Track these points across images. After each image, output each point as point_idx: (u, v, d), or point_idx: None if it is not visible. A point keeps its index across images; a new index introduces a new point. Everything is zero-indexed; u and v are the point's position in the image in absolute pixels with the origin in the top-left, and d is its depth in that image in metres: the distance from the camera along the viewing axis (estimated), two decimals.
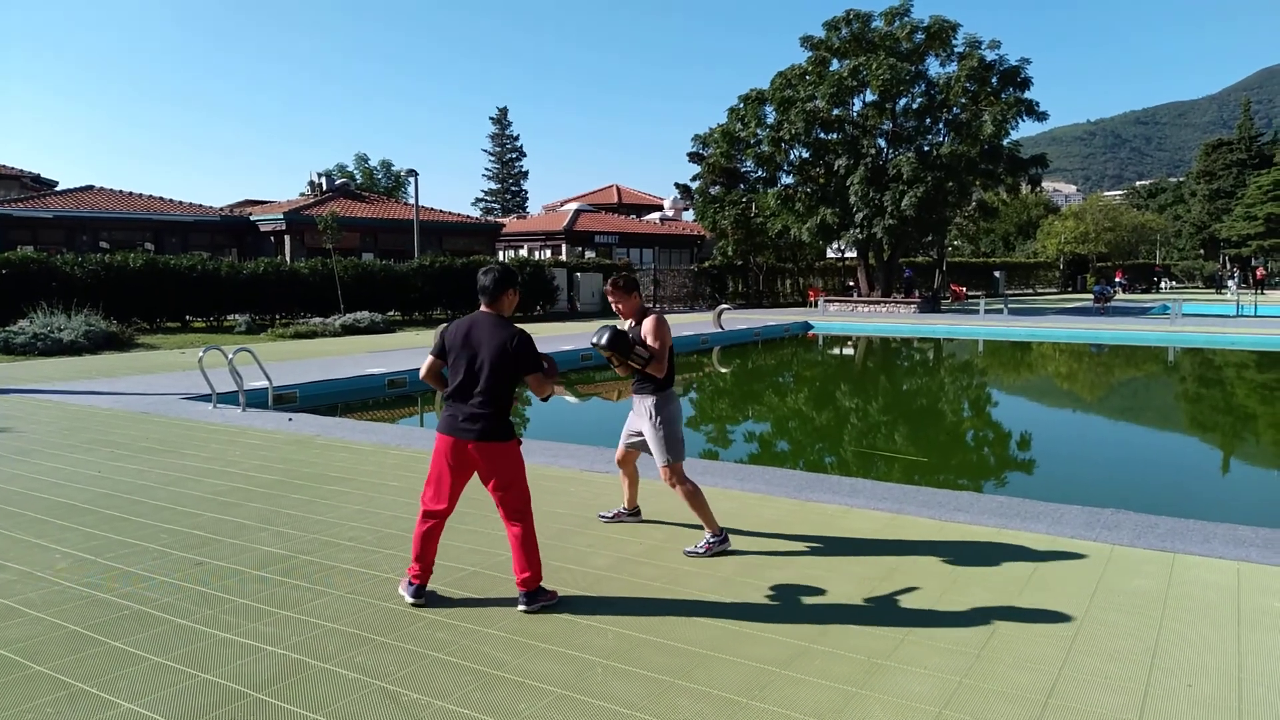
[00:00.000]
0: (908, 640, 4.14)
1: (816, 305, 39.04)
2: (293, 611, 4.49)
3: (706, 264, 43.37)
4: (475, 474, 4.62)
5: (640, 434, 5.64)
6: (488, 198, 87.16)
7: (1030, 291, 61.63)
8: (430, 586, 4.77)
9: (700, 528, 5.59)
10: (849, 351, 26.16)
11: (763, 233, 40.44)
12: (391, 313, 28.17)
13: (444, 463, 4.56)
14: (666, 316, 5.78)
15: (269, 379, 11.82)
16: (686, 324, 28.17)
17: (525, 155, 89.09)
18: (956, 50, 34.94)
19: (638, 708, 3.50)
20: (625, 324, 5.58)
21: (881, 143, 35.98)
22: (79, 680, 3.72)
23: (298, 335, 23.12)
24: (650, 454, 5.57)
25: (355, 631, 4.24)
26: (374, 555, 5.38)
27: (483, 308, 4.64)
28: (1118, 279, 58.28)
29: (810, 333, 30.20)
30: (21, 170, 43.64)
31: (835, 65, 36.13)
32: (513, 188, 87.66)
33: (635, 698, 3.58)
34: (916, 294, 39.24)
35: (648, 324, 5.42)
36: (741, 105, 38.02)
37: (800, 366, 22.82)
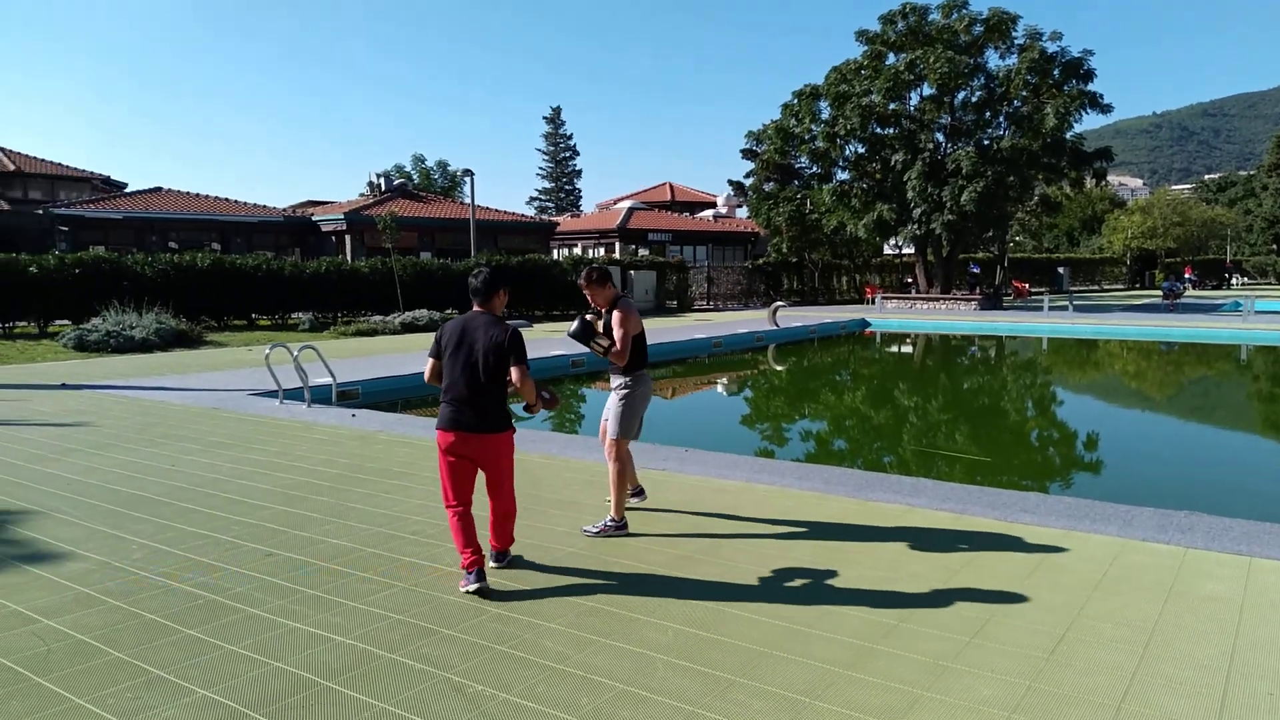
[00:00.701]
0: (974, 643, 4.07)
1: (873, 302, 38.55)
2: (359, 603, 4.58)
3: (761, 261, 43.13)
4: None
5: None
6: (542, 196, 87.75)
7: (1096, 288, 60.09)
8: (492, 580, 4.84)
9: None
10: (908, 349, 25.80)
11: (818, 229, 40.08)
12: (449, 310, 28.50)
13: (449, 457, 4.79)
14: (634, 310, 5.93)
15: (333, 376, 12.06)
16: (740, 321, 28.05)
17: (579, 154, 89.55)
18: (1017, 42, 34.22)
19: (699, 704, 3.50)
20: (598, 313, 5.88)
21: (940, 137, 35.38)
22: (156, 667, 3.84)
23: (359, 333, 23.55)
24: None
25: (420, 623, 4.31)
26: (437, 549, 5.46)
27: (475, 308, 4.94)
28: (1187, 275, 56.46)
29: (868, 330, 29.84)
30: (92, 173, 45.13)
31: (891, 59, 35.63)
32: (566, 186, 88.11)
33: (696, 694, 3.58)
34: (978, 290, 38.53)
35: (614, 315, 5.72)
36: (796, 101, 37.70)
37: (858, 364, 22.57)
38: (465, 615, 4.41)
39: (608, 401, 5.97)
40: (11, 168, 41.88)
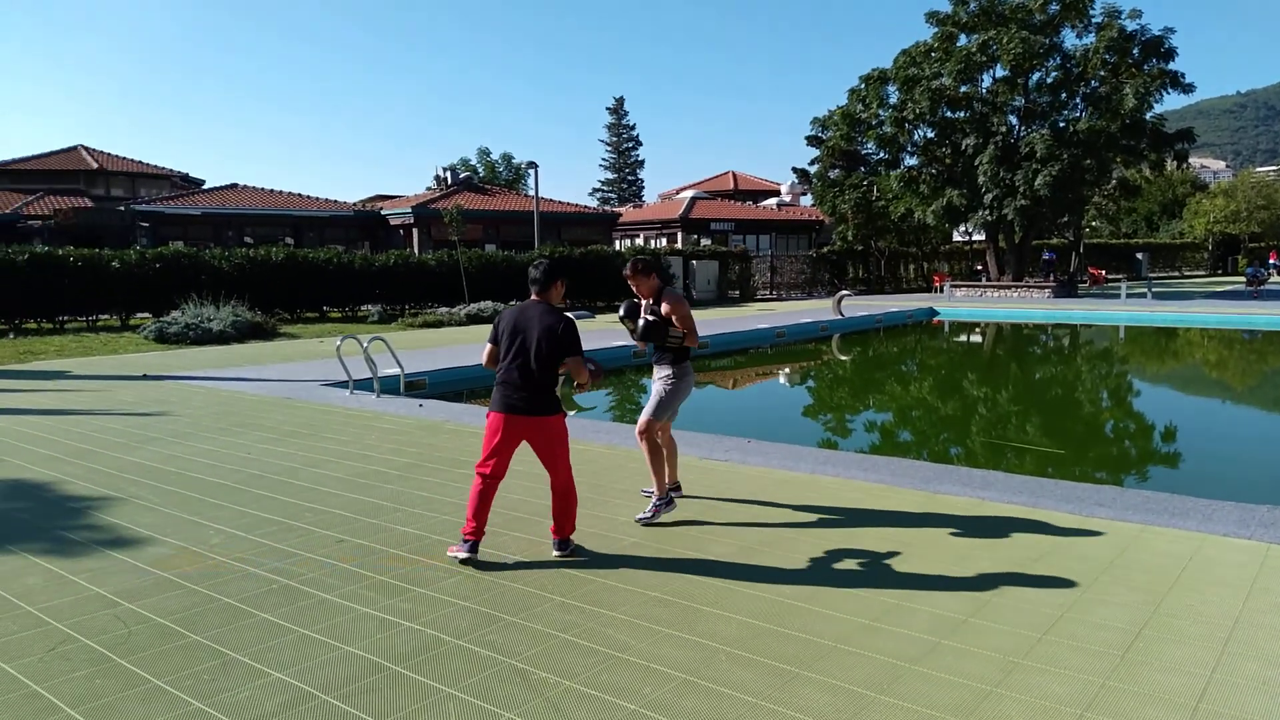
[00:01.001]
0: (1046, 639, 3.97)
1: (942, 290, 37.81)
2: (427, 589, 4.66)
3: (825, 249, 42.60)
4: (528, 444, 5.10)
5: None
6: (604, 187, 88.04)
7: (1176, 274, 58.02)
8: (554, 568, 4.89)
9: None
10: (977, 338, 25.26)
11: (884, 216, 39.43)
12: (513, 302, 28.79)
13: (497, 436, 5.00)
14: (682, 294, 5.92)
15: (400, 366, 12.29)
16: (804, 311, 27.77)
17: (641, 144, 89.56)
18: (1094, 21, 33.12)
19: (763, 696, 3.49)
20: (646, 303, 5.91)
21: (1013, 120, 34.49)
22: (233, 650, 3.97)
23: (426, 324, 23.95)
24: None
25: (486, 610, 4.37)
26: (501, 538, 5.52)
27: (533, 297, 5.15)
28: (1272, 260, 54.10)
29: (936, 319, 29.29)
30: (171, 170, 46.69)
31: (963, 40, 34.80)
32: (629, 177, 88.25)
33: (760, 686, 3.57)
34: (1051, 278, 37.50)
35: (668, 304, 5.77)
36: (863, 86, 37.11)
37: (925, 354, 22.17)
38: (530, 603, 4.46)
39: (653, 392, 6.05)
40: (95, 166, 43.55)
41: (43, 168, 43.04)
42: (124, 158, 46.25)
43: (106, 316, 23.31)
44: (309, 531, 5.70)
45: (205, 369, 14.58)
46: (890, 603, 4.41)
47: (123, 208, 37.70)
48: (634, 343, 6.10)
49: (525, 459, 7.46)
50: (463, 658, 3.86)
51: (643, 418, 5.87)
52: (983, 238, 39.04)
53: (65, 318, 22.44)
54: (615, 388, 15.79)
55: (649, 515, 5.75)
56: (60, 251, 22.08)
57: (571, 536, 5.23)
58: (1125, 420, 13.01)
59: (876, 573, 4.84)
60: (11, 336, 19.88)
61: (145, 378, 13.62)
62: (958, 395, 15.18)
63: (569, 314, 5.20)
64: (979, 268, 42.82)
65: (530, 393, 4.96)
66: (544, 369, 4.96)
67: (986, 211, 33.39)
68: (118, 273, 22.19)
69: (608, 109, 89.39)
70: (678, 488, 6.34)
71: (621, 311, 5.74)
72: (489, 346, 5.17)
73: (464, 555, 4.97)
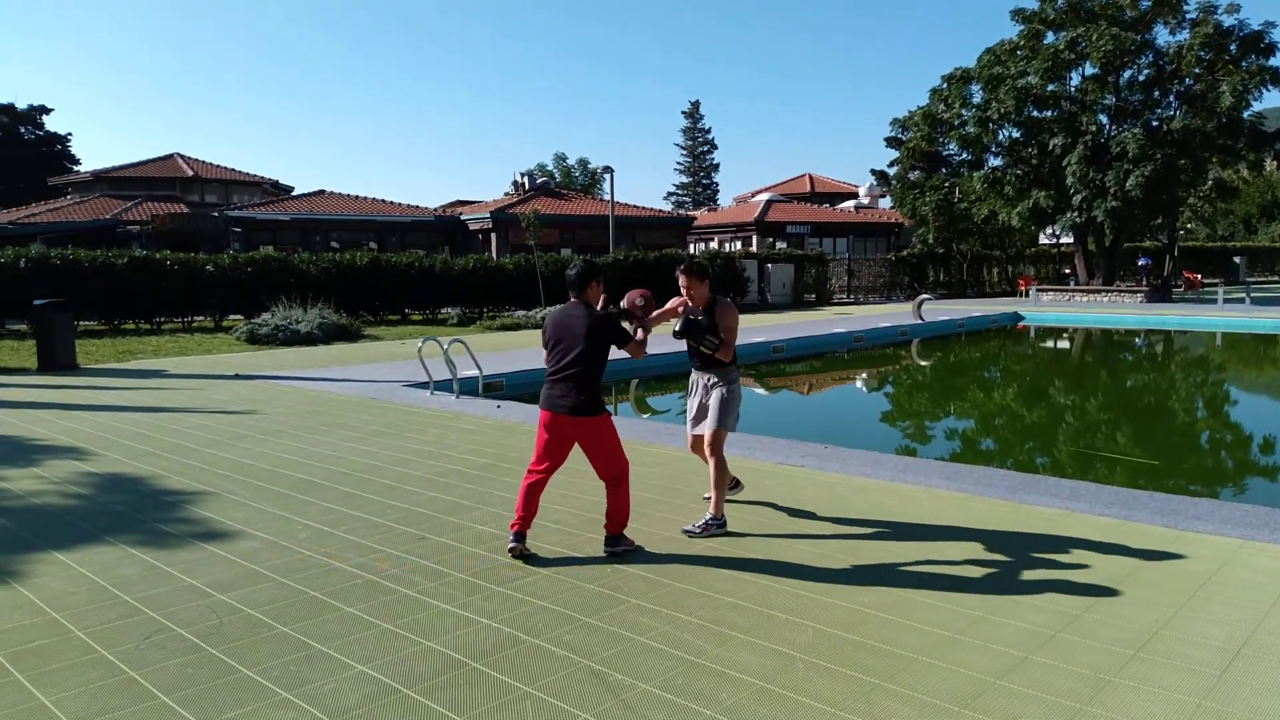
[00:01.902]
0: (1139, 657, 3.82)
1: (1027, 295, 36.77)
2: (505, 588, 4.72)
3: (904, 252, 41.81)
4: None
5: (703, 409, 5.95)
6: (679, 191, 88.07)
7: (1276, 279, 55.29)
8: (630, 570, 4.90)
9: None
10: (1065, 344, 24.48)
11: (967, 218, 38.49)
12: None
13: (546, 434, 5.21)
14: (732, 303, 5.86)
15: (479, 368, 12.49)
16: (882, 315, 27.31)
17: (716, 148, 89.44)
18: (1189, 16, 31.86)
19: (841, 707, 3.43)
20: (697, 310, 5.82)
21: (1103, 119, 33.35)
22: (317, 642, 4.07)
23: (503, 327, 24.29)
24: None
25: (562, 610, 4.40)
26: (577, 538, 5.56)
27: (572, 299, 5.30)
28: None
29: (1021, 324, 28.49)
30: (262, 177, 48.33)
31: (1050, 38, 33.84)
32: (704, 180, 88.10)
33: (839, 696, 3.51)
34: (1144, 282, 36.13)
35: (720, 313, 5.74)
36: (945, 85, 36.36)
37: (1009, 360, 21.58)
38: (605, 604, 4.48)
39: (695, 400, 6.00)
40: (190, 174, 45.36)
41: (141, 175, 45.00)
42: (218, 165, 48.08)
43: (201, 318, 24.24)
44: (391, 528, 5.82)
45: (293, 369, 15.04)
46: (974, 615, 4.30)
47: (216, 213, 39.21)
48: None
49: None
50: (540, 657, 3.89)
51: (711, 430, 5.76)
52: (1071, 240, 37.86)
53: (162, 319, 23.40)
54: (684, 392, 15.75)
55: (697, 531, 5.59)
56: (158, 255, 23.05)
57: (625, 532, 5.31)
58: (1222, 430, 12.44)
59: (960, 584, 4.72)
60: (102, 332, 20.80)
61: (237, 377, 14.11)
62: (1044, 403, 14.73)
63: (609, 310, 5.37)
64: (1067, 271, 41.52)
65: (573, 393, 5.12)
66: (587, 368, 5.14)
67: (1075, 213, 32.36)
68: (211, 276, 23.05)
69: (683, 113, 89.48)
70: (737, 483, 6.44)
71: (677, 328, 5.74)
72: (545, 352, 5.35)
73: (513, 544, 5.17)
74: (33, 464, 7.86)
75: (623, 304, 5.71)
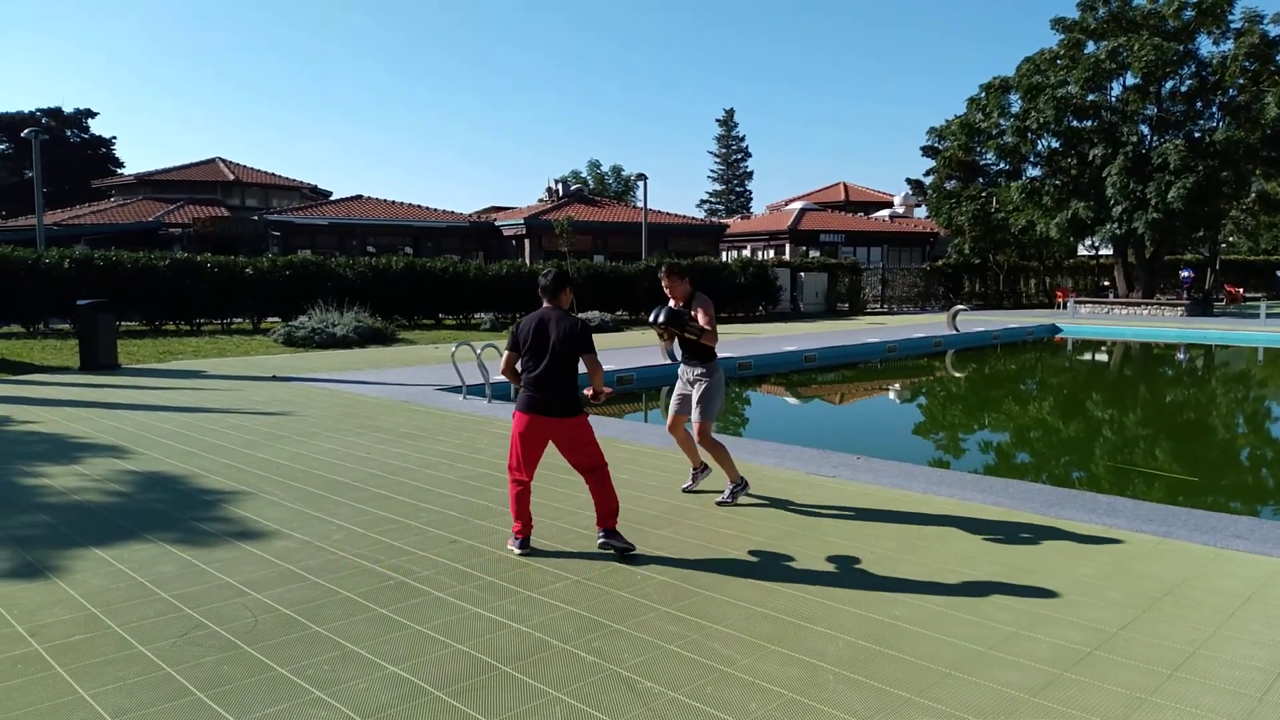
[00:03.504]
0: (1176, 676, 3.75)
1: (1065, 307, 36.30)
2: (534, 592, 4.74)
3: (940, 262, 41.45)
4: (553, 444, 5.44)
5: (685, 399, 6.51)
6: (712, 199, 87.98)
7: None
8: (660, 578, 4.90)
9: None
10: (1103, 357, 24.12)
11: (1004, 229, 38.09)
12: (620, 312, 29.07)
13: (524, 436, 5.35)
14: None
15: None
16: (917, 325, 27.08)
17: (750, 156, 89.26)
18: (1233, 26, 31.38)
19: None
20: (676, 305, 6.39)
21: (1144, 129, 32.91)
22: (350, 642, 4.12)
23: None
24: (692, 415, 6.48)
25: (592, 616, 4.41)
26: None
27: (545, 304, 5.49)
28: None
29: (1058, 336, 28.12)
30: (301, 182, 49.04)
31: (1091, 47, 33.46)
32: (737, 188, 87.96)
33: (869, 710, 3.48)
34: (1184, 295, 35.53)
35: (698, 304, 6.31)
36: (983, 94, 36.08)
37: (1046, 373, 21.31)
38: (635, 611, 4.48)
39: (676, 389, 6.58)
40: (231, 178, 46.12)
41: (184, 178, 45.83)
42: (258, 170, 48.84)
43: (239, 320, 24.59)
44: (423, 531, 5.87)
45: (329, 372, 15.21)
46: (1008, 630, 4.25)
47: (256, 217, 39.82)
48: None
49: (638, 466, 7.50)
50: (569, 662, 3.90)
51: (699, 422, 6.36)
52: (1110, 252, 37.34)
53: (202, 320, 23.76)
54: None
55: (727, 498, 6.41)
56: (198, 258, 23.42)
57: (616, 527, 5.46)
58: (1263, 447, 12.19)
59: (993, 599, 4.66)
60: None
61: (274, 379, 14.30)
62: (1081, 416, 14.53)
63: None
64: (1106, 283, 40.96)
65: (553, 394, 5.31)
66: (565, 370, 5.32)
67: (1115, 225, 31.93)
68: (250, 279, 23.39)
69: (717, 120, 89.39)
70: (705, 467, 6.86)
71: (660, 318, 6.15)
72: (508, 353, 5.52)
73: (518, 551, 5.35)
74: (74, 461, 8.02)
75: (662, 316, 6.12)
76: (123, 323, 21.32)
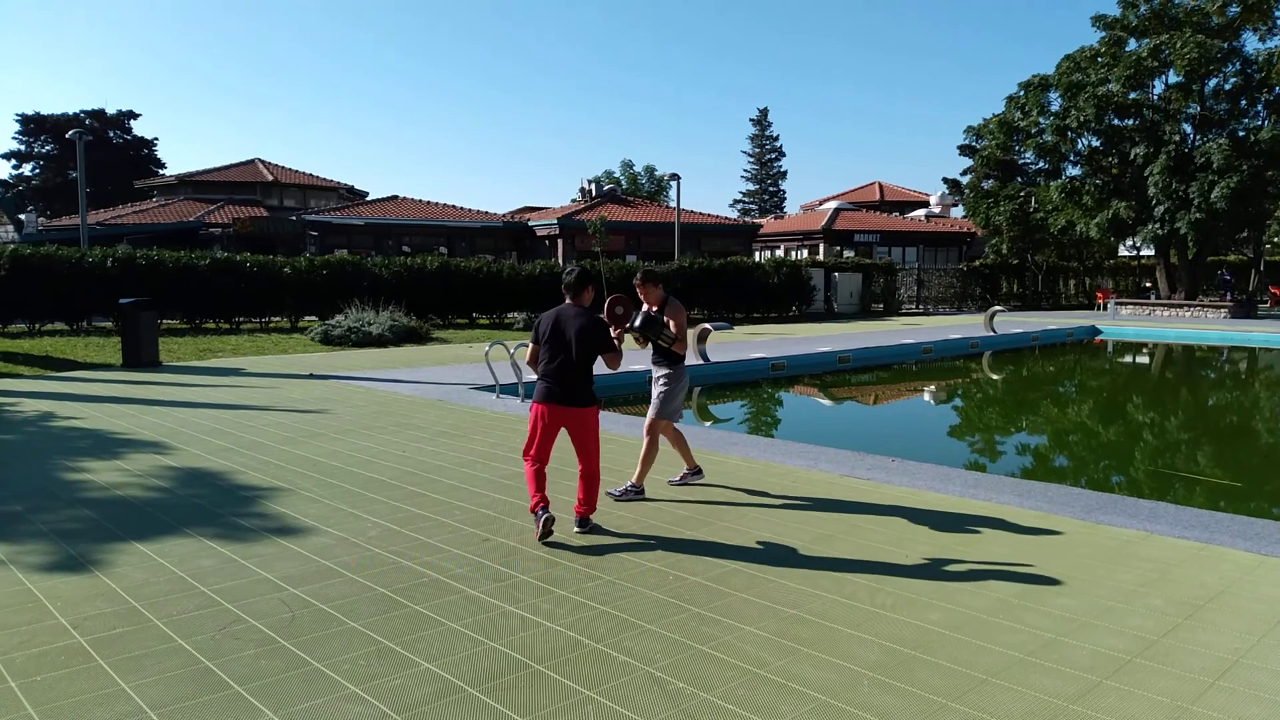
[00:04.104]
0: (1219, 686, 3.68)
1: (1105, 308, 35.73)
2: (567, 591, 4.75)
3: (977, 263, 40.97)
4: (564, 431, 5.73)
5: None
6: (745, 199, 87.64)
7: None
8: (693, 579, 4.89)
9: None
10: (1144, 360, 23.71)
11: (1043, 229, 37.55)
12: (651, 309, 29.03)
13: (541, 424, 5.65)
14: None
15: None
16: (953, 326, 26.80)
17: (784, 155, 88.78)
18: (1279, 23, 30.64)
19: None
20: (646, 309, 6.65)
21: (1187, 128, 32.30)
22: (386, 638, 4.15)
23: None
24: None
25: (623, 616, 4.41)
26: (639, 544, 5.56)
27: (567, 301, 5.78)
28: None
29: (1098, 338, 27.69)
30: (339, 182, 49.56)
31: (1132, 45, 32.90)
32: (770, 188, 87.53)
33: (904, 715, 3.44)
34: (1228, 297, 34.82)
35: (670, 311, 6.63)
36: (1022, 93, 35.62)
37: (1085, 375, 20.99)
38: (667, 612, 4.47)
39: (651, 387, 6.89)
40: (270, 178, 46.73)
41: (223, 179, 46.50)
42: (296, 170, 49.43)
43: (278, 318, 24.90)
44: (457, 529, 5.91)
45: (365, 370, 15.37)
46: (1047, 637, 4.18)
47: (294, 217, 40.31)
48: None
49: (671, 466, 7.47)
50: (601, 662, 3.91)
51: (650, 417, 6.73)
52: (1152, 253, 36.72)
53: (241, 319, 24.10)
54: (751, 400, 15.68)
55: (619, 494, 6.64)
56: (238, 257, 23.77)
57: (591, 516, 5.87)
58: None
59: (1032, 605, 4.60)
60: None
61: (311, 377, 14.47)
62: (1121, 420, 14.29)
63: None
64: (1147, 285, 40.25)
65: (570, 385, 5.59)
66: (581, 363, 5.58)
67: (1156, 225, 31.38)
68: (289, 278, 23.68)
69: (751, 120, 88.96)
70: (699, 470, 7.13)
71: (637, 324, 6.37)
72: (531, 346, 5.80)
73: (545, 515, 5.53)
74: (117, 457, 8.17)
75: (638, 322, 6.31)
76: (164, 321, 21.67)
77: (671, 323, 6.57)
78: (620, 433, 9.21)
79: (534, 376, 5.91)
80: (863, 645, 4.09)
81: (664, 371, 6.78)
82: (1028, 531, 5.87)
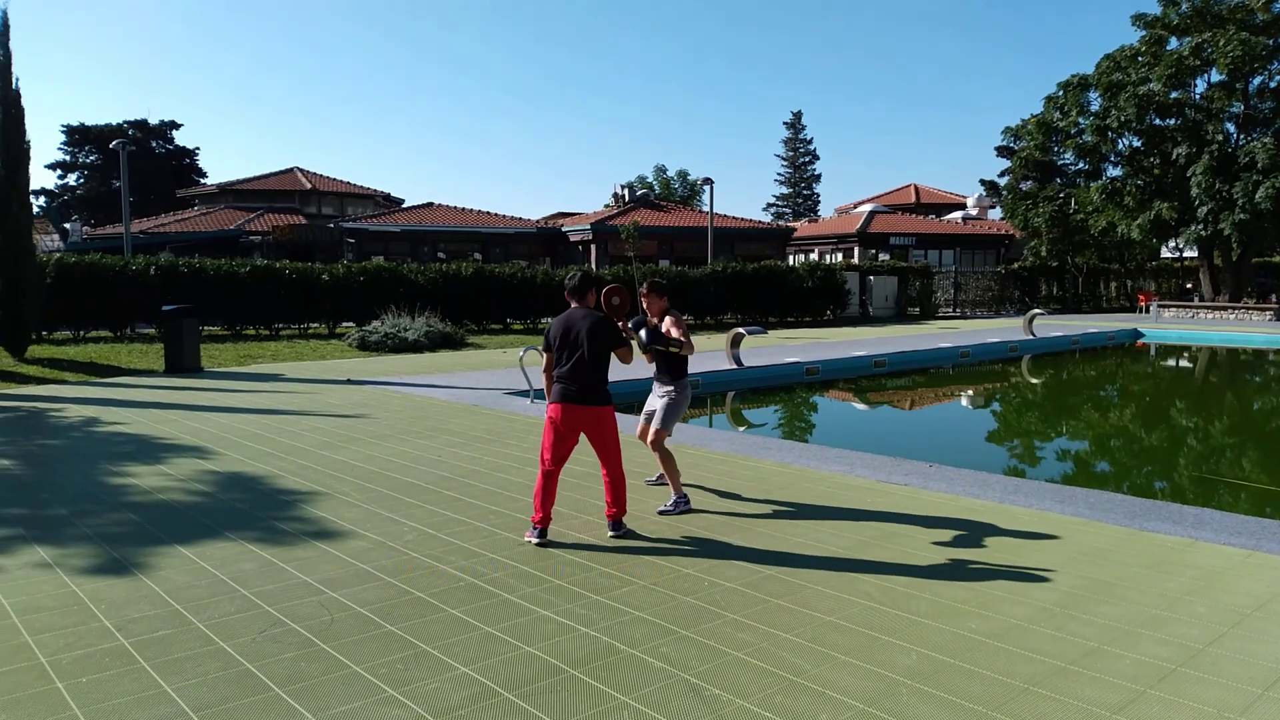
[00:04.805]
0: (1267, 696, 3.59)
1: (1148, 311, 35.10)
2: (602, 596, 4.75)
3: (1015, 265, 40.43)
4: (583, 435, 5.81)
5: (652, 413, 6.82)
6: (779, 202, 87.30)
7: None
8: (728, 585, 4.88)
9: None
10: (1188, 364, 23.26)
11: (1083, 231, 36.93)
12: (685, 317, 28.99)
13: (557, 426, 5.70)
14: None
15: None
16: (991, 330, 26.47)
17: (818, 158, 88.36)
18: None
19: None
20: (650, 319, 6.71)
21: (1230, 127, 31.67)
22: (422, 641, 4.18)
23: None
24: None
25: (659, 622, 4.40)
26: (674, 549, 5.55)
27: (573, 304, 5.85)
28: None
29: (1140, 341, 27.21)
30: (375, 190, 50.10)
31: (1173, 44, 32.34)
32: (804, 191, 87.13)
33: None
34: (1274, 299, 34.06)
35: (670, 321, 6.70)
36: (1061, 93, 35.14)
37: (1128, 379, 20.63)
38: (703, 618, 4.46)
39: (648, 402, 6.95)
40: (309, 187, 47.38)
41: (263, 188, 47.23)
42: (334, 178, 50.07)
43: (316, 325, 25.22)
44: (493, 533, 5.94)
45: (401, 375, 15.51)
46: (1089, 645, 4.11)
47: (332, 225, 40.85)
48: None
49: (705, 471, 7.47)
50: (637, 667, 3.90)
51: (656, 429, 6.69)
52: (1195, 254, 36.00)
53: (280, 325, 24.44)
54: (785, 405, 15.60)
55: (670, 508, 6.43)
56: (277, 265, 24.10)
57: (624, 519, 5.93)
58: None
59: (1074, 612, 4.52)
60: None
61: (349, 382, 14.63)
62: (1165, 425, 14.03)
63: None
64: (1190, 287, 39.50)
65: (584, 385, 5.66)
66: (594, 363, 5.68)
67: (1200, 226, 30.79)
68: (326, 285, 23.98)
69: (784, 123, 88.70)
70: (686, 499, 6.74)
71: (644, 337, 6.42)
72: (545, 355, 5.89)
73: (536, 540, 5.62)
74: (160, 462, 8.32)
75: (644, 337, 6.37)
76: (205, 327, 22.05)
77: (674, 329, 6.66)
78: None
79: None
80: (901, 652, 4.05)
81: (668, 387, 6.83)
82: (1069, 538, 5.77)
